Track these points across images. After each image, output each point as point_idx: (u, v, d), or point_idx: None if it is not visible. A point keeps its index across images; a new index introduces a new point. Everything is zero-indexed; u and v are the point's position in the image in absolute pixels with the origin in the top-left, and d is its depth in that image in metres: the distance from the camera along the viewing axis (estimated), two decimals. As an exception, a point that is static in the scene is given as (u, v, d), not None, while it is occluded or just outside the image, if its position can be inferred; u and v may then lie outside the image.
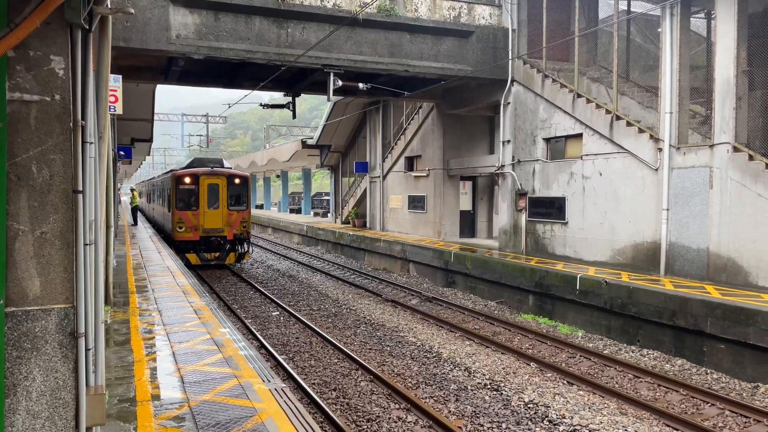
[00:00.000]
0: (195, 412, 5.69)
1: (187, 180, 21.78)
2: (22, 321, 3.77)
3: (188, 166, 23.99)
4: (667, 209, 13.30)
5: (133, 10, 4.55)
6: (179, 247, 21.58)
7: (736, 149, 11.93)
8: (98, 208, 4.35)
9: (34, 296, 3.81)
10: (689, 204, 12.88)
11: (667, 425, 8.14)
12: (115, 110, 10.41)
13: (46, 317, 3.83)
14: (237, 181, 22.44)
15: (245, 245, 22.79)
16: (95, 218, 4.24)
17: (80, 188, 3.92)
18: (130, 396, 6.13)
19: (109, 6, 4.19)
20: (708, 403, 8.89)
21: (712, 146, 12.41)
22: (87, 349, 3.98)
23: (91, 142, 4.10)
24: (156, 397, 6.11)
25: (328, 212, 41.00)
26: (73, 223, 3.91)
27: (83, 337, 3.94)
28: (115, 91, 10.32)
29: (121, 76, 10.72)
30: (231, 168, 24.16)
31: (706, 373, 10.32)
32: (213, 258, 22.05)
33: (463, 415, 8.42)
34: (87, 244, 4.00)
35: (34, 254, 3.80)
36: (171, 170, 27.81)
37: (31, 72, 3.78)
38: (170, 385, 6.51)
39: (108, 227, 9.82)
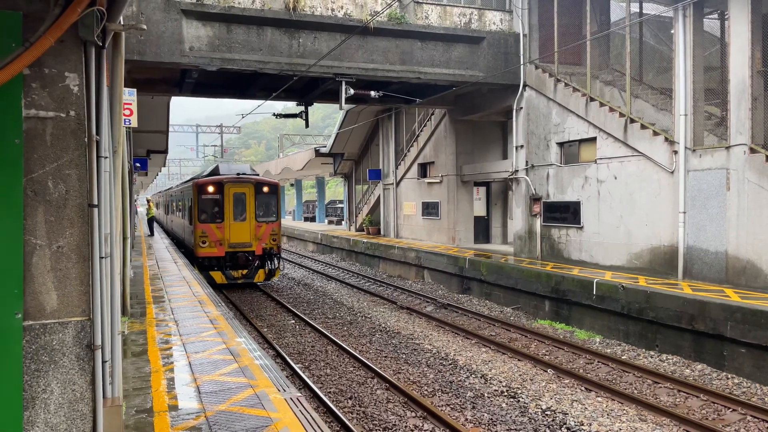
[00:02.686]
0: (211, 422, 5.71)
1: (211, 189, 19.72)
2: (40, 334, 3.82)
3: (211, 174, 21.69)
4: (684, 212, 13.14)
5: (145, 26, 4.60)
6: (202, 265, 19.63)
7: (752, 150, 11.79)
8: (114, 222, 4.40)
9: (52, 309, 3.86)
10: (706, 206, 12.73)
11: (688, 431, 8.02)
12: (130, 123, 10.57)
13: (63, 330, 3.88)
14: (265, 189, 20.35)
15: (275, 261, 20.68)
16: (111, 231, 4.30)
17: (95, 202, 3.97)
18: (148, 406, 6.17)
19: (122, 23, 4.25)
20: (729, 408, 8.75)
21: (728, 148, 12.27)
22: (104, 361, 4.02)
23: (106, 157, 4.16)
24: (173, 408, 6.14)
25: (342, 220, 41.11)
26: (88, 236, 3.96)
27: (100, 350, 3.98)
28: (131, 104, 10.49)
29: (135, 90, 10.90)
30: (258, 174, 22.16)
31: (727, 378, 10.16)
32: (240, 276, 19.95)
33: (480, 423, 8.36)
34: (103, 257, 4.05)
35: (51, 268, 3.85)
36: (191, 178, 26.21)
37: (47, 89, 3.84)
38: (187, 395, 6.54)
39: (125, 239, 9.93)
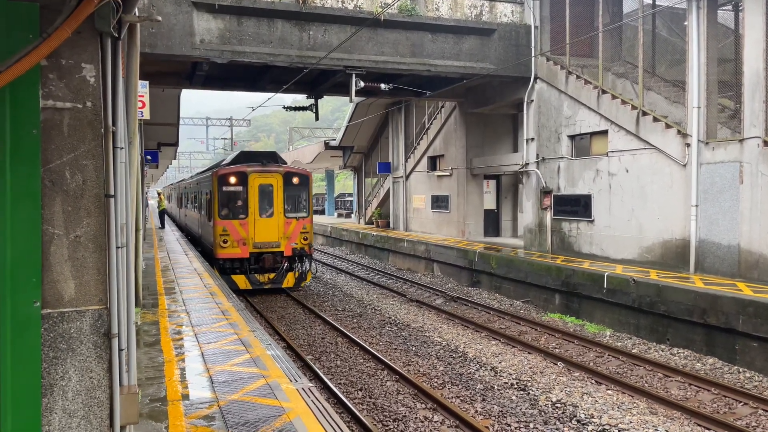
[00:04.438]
0: (224, 411, 5.77)
1: (233, 180, 17.45)
2: (58, 322, 3.86)
3: (233, 162, 19.04)
4: (696, 205, 13.06)
5: (160, 18, 4.62)
6: (223, 267, 17.26)
7: (766, 143, 11.68)
8: (129, 212, 4.44)
9: (69, 298, 3.90)
10: (719, 200, 12.64)
11: (699, 425, 8.01)
12: (143, 115, 10.63)
13: (80, 318, 3.92)
14: (295, 180, 17.96)
15: (307, 262, 18.29)
16: (126, 222, 4.33)
17: (112, 192, 4.00)
18: (161, 395, 6.24)
19: (137, 14, 4.27)
20: (741, 402, 8.72)
21: (741, 141, 12.17)
22: (120, 350, 4.06)
23: (122, 147, 4.18)
24: (186, 397, 6.20)
25: (352, 213, 41.16)
26: (105, 226, 3.99)
27: (116, 338, 4.02)
28: (143, 96, 10.54)
29: (147, 82, 10.95)
30: (286, 163, 19.68)
31: (739, 372, 10.12)
32: (267, 280, 17.56)
33: (489, 415, 8.38)
34: (119, 247, 4.08)
35: (69, 257, 3.89)
36: (208, 168, 23.60)
37: (64, 80, 3.87)
38: (200, 384, 6.61)
39: (137, 230, 10.00)
